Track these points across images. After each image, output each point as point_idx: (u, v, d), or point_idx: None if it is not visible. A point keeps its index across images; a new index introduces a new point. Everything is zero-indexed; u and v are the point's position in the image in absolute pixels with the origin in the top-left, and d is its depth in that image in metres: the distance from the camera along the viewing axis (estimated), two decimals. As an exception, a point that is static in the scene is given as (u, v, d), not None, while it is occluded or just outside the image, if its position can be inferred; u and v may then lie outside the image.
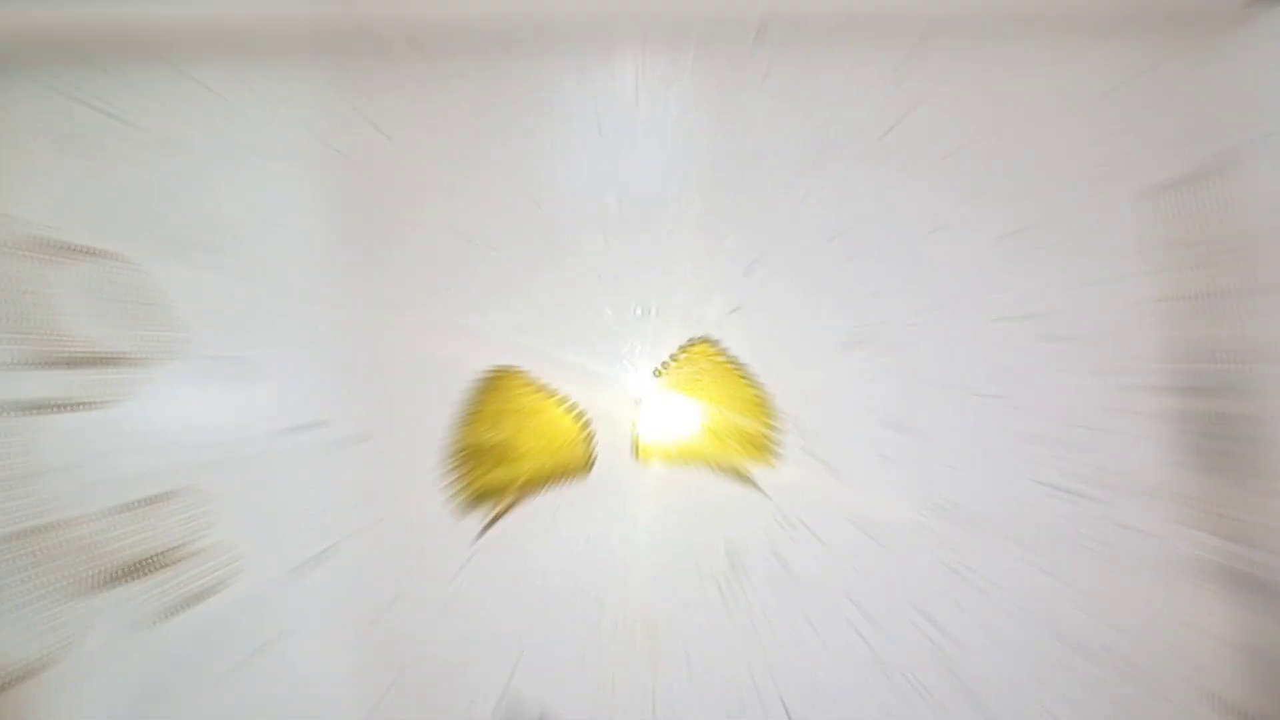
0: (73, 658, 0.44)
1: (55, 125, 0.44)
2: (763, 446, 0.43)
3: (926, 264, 0.45)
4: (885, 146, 0.45)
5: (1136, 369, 0.45)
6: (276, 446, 0.44)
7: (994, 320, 0.45)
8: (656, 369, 0.44)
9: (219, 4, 0.42)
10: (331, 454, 0.44)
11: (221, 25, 0.43)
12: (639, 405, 0.44)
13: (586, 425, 0.44)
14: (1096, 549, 0.45)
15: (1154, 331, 0.45)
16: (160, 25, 0.43)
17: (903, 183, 0.45)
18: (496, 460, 0.43)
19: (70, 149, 0.44)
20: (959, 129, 0.45)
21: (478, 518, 0.44)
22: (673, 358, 0.44)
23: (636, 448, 0.43)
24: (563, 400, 0.43)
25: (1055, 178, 0.45)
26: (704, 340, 0.44)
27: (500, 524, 0.44)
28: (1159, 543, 0.45)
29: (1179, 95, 0.46)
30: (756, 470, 0.44)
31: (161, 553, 0.44)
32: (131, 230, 0.44)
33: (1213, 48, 0.46)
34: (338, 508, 0.44)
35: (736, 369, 0.43)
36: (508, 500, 0.43)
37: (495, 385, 0.44)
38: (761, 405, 0.43)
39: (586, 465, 0.43)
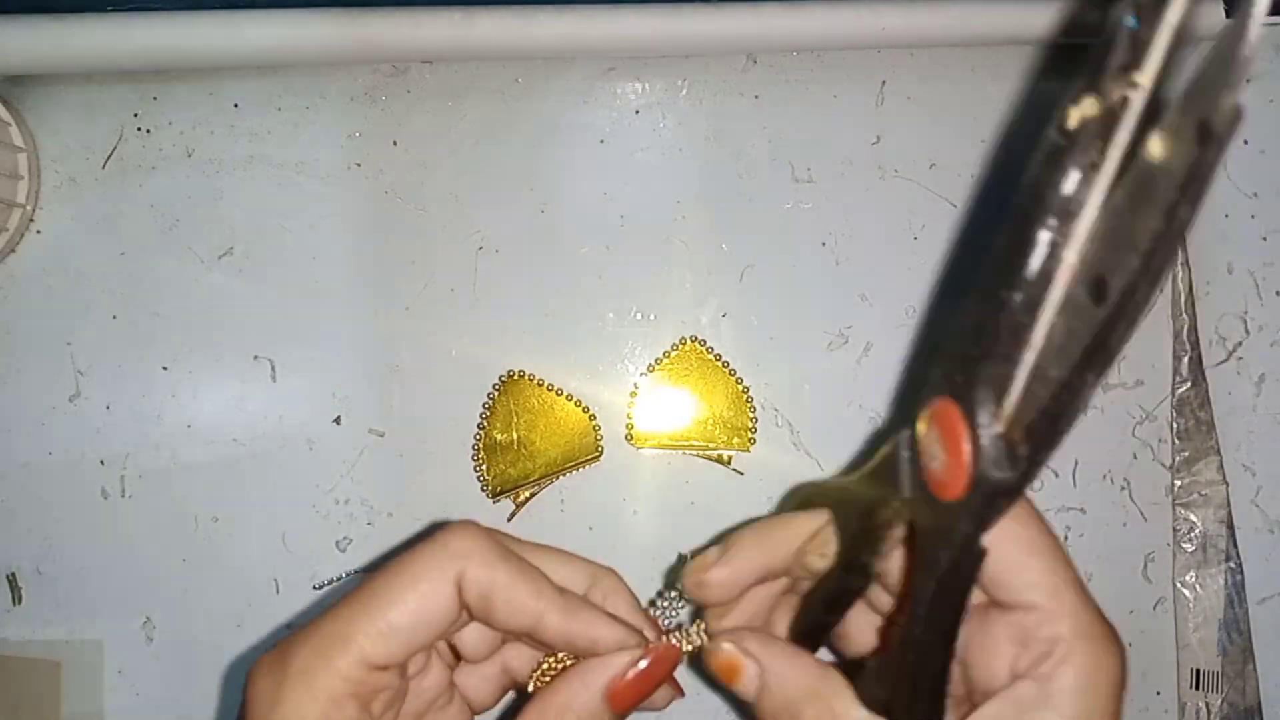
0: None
1: (95, 142, 0.46)
2: (744, 435, 0.45)
3: (909, 269, 0.46)
4: (870, 159, 0.47)
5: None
6: (300, 440, 0.45)
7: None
8: (650, 365, 0.45)
9: (246, 27, 0.44)
10: (350, 448, 0.45)
11: (249, 48, 0.44)
12: (634, 398, 0.45)
13: (594, 418, 0.45)
14: (1064, 532, 0.46)
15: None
16: (193, 47, 0.44)
17: (887, 193, 0.47)
18: (513, 458, 0.45)
19: (110, 165, 0.46)
20: (940, 140, 0.47)
21: (501, 508, 0.45)
22: (665, 355, 0.45)
23: (631, 434, 0.45)
24: (570, 396, 0.45)
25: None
26: (694, 340, 0.45)
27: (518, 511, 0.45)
28: (1125, 527, 0.46)
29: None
30: (739, 456, 0.45)
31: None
32: (168, 242, 0.46)
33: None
34: (356, 499, 0.45)
35: (723, 365, 0.45)
36: (528, 492, 0.45)
37: (506, 390, 0.45)
38: (744, 398, 0.45)
39: (596, 453, 0.45)
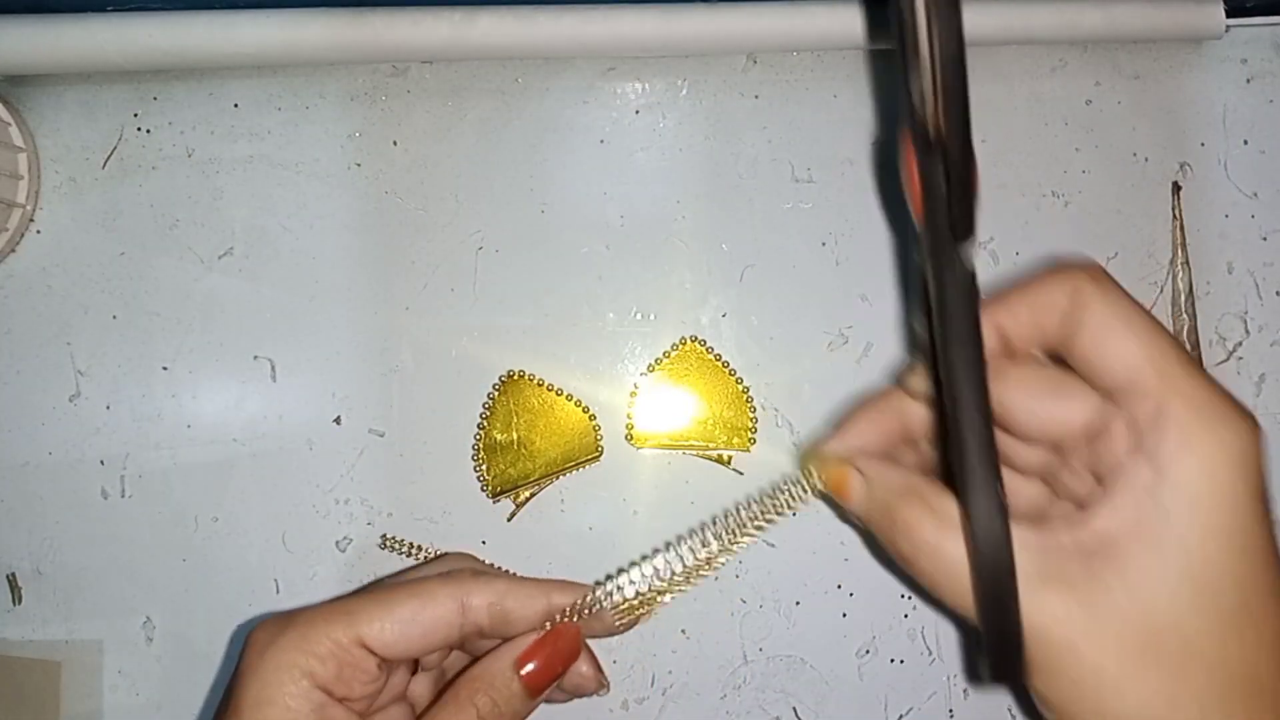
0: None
1: (95, 142, 0.46)
2: (744, 435, 0.45)
3: (909, 269, 0.46)
4: (870, 159, 0.47)
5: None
6: (300, 440, 0.45)
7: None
8: (650, 365, 0.45)
9: (246, 27, 0.44)
10: (350, 448, 0.45)
11: (248, 48, 0.44)
12: (634, 398, 0.45)
13: (594, 418, 0.45)
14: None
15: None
16: (193, 47, 0.44)
17: (887, 192, 0.46)
18: (513, 458, 0.45)
19: (110, 165, 0.46)
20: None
21: (501, 507, 0.45)
22: (665, 355, 0.45)
23: (631, 434, 0.45)
24: (570, 396, 0.45)
25: (1029, 187, 0.47)
26: (694, 340, 0.45)
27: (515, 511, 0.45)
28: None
29: (1152, 108, 0.47)
30: (739, 456, 0.45)
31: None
32: (168, 242, 0.46)
33: (1188, 62, 0.48)
34: (356, 499, 0.45)
35: (723, 365, 0.45)
36: (528, 492, 0.45)
37: (506, 390, 0.45)
38: (744, 398, 0.45)
39: (596, 453, 0.45)
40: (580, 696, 0.35)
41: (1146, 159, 0.47)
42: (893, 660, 0.46)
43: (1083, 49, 0.48)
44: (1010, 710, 0.46)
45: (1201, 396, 0.25)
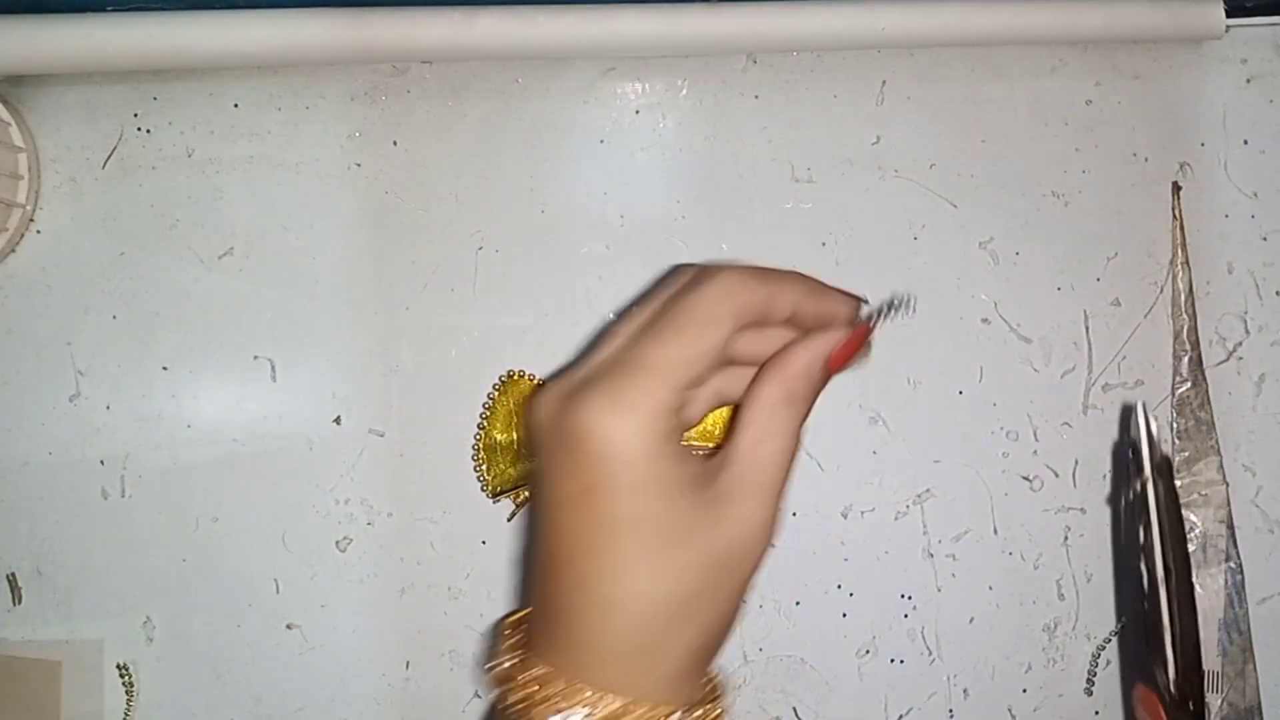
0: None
1: (95, 142, 0.46)
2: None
3: (909, 269, 0.47)
4: (870, 158, 0.47)
5: (1100, 367, 0.47)
6: (300, 440, 0.45)
7: (971, 322, 0.47)
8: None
9: (246, 27, 0.44)
10: (350, 448, 0.45)
11: (249, 48, 0.44)
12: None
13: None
14: (1064, 532, 0.47)
15: (1117, 332, 0.47)
16: (193, 47, 0.44)
17: (887, 192, 0.47)
18: (513, 458, 0.45)
19: (110, 165, 0.46)
20: (940, 140, 0.47)
21: (500, 508, 0.45)
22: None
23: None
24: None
25: (1029, 187, 0.47)
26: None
27: (505, 510, 0.45)
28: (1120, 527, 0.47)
29: (1152, 108, 0.48)
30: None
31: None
32: (168, 242, 0.46)
33: (1188, 62, 0.48)
34: (356, 499, 0.45)
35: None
36: (528, 492, 0.45)
37: (506, 390, 0.45)
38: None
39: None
40: None
41: (1146, 159, 0.47)
42: (893, 660, 0.46)
43: (1083, 49, 0.48)
44: (1010, 710, 0.46)
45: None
